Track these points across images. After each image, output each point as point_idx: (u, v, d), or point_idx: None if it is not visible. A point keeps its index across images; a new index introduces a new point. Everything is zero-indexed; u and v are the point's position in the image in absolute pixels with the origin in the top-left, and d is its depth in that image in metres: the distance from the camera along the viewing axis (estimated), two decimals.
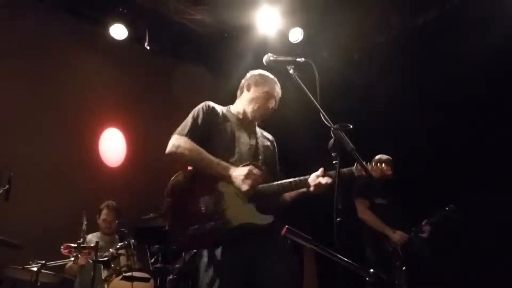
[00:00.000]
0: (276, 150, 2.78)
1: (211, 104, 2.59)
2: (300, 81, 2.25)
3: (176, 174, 2.39)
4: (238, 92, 2.73)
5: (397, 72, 5.31)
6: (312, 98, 2.16)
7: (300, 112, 4.13)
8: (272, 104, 2.64)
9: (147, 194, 5.29)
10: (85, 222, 3.70)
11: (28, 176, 4.38)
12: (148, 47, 5.36)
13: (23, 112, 4.78)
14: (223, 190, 2.33)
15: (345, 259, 1.77)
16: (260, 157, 2.56)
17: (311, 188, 2.37)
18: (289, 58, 2.36)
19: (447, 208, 4.20)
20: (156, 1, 5.03)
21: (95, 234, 4.34)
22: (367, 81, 5.70)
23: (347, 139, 2.11)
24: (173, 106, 5.16)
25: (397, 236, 4.05)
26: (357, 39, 5.78)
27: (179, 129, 2.46)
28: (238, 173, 2.33)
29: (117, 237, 4.35)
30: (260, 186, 2.36)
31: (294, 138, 5.12)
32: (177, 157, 2.40)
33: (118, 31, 5.16)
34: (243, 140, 2.55)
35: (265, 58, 2.44)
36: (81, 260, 3.66)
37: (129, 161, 5.66)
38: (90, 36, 5.35)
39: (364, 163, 2.16)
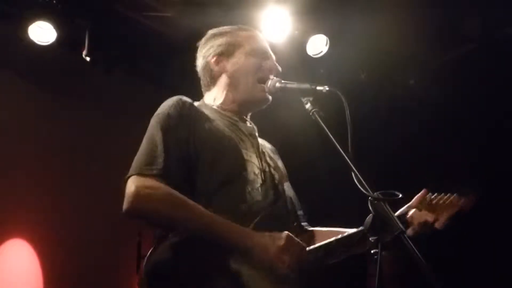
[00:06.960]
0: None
1: (185, 99, 2.28)
2: (322, 123, 2.14)
3: (154, 247, 2.07)
4: (204, 81, 2.53)
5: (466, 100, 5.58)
6: (341, 151, 2.02)
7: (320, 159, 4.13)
8: (270, 60, 2.48)
9: None
10: None
11: None
12: (88, 58, 5.15)
13: None
14: (240, 270, 2.00)
15: None
16: (281, 196, 2.32)
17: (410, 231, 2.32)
18: (306, 86, 2.26)
19: None
20: None
21: None
22: (424, 117, 5.77)
23: (394, 216, 1.95)
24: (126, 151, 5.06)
25: None
26: (410, 53, 5.71)
27: (139, 161, 2.11)
28: (266, 244, 2.03)
29: None
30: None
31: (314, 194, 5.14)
32: (147, 218, 2.13)
33: (42, 33, 4.93)
34: (252, 165, 2.27)
35: (268, 84, 2.39)
36: None
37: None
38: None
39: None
